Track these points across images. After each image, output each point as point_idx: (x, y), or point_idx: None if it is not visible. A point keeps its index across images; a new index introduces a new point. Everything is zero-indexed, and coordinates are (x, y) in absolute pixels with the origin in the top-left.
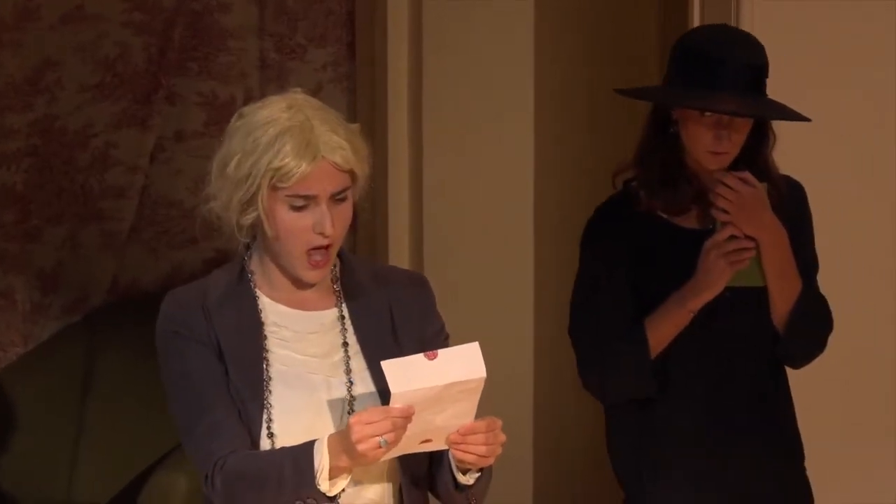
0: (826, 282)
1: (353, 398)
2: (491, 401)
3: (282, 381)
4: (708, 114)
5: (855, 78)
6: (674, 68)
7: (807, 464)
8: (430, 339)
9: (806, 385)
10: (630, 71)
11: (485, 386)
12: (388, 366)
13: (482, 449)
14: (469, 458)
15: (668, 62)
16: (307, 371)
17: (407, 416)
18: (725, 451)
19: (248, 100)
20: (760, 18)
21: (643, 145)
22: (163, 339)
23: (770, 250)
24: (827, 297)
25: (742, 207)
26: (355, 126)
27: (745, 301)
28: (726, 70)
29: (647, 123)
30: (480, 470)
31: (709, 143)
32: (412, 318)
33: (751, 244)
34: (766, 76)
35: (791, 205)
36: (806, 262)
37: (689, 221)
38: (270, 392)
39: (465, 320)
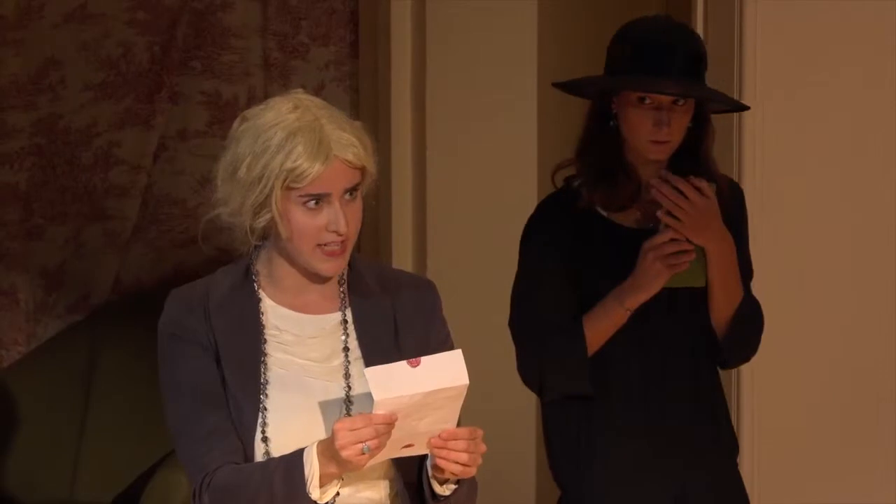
0: (826, 282)
1: (350, 403)
2: (493, 402)
3: (279, 384)
4: (647, 100)
5: (857, 76)
6: (613, 57)
7: (807, 464)
8: (435, 346)
9: (806, 385)
10: None
11: (488, 387)
12: (371, 373)
13: (463, 456)
14: (449, 465)
15: (608, 52)
16: (305, 375)
17: (390, 423)
18: (662, 445)
19: (252, 98)
20: (763, 16)
21: (583, 140)
22: (162, 339)
23: (717, 259)
24: (827, 297)
25: (694, 217)
26: (359, 123)
27: (683, 300)
28: (666, 56)
29: (587, 117)
30: (458, 482)
31: (649, 131)
32: (416, 325)
33: (690, 247)
34: (706, 66)
35: (732, 205)
36: (742, 262)
37: (629, 219)
38: (267, 396)
39: (468, 320)
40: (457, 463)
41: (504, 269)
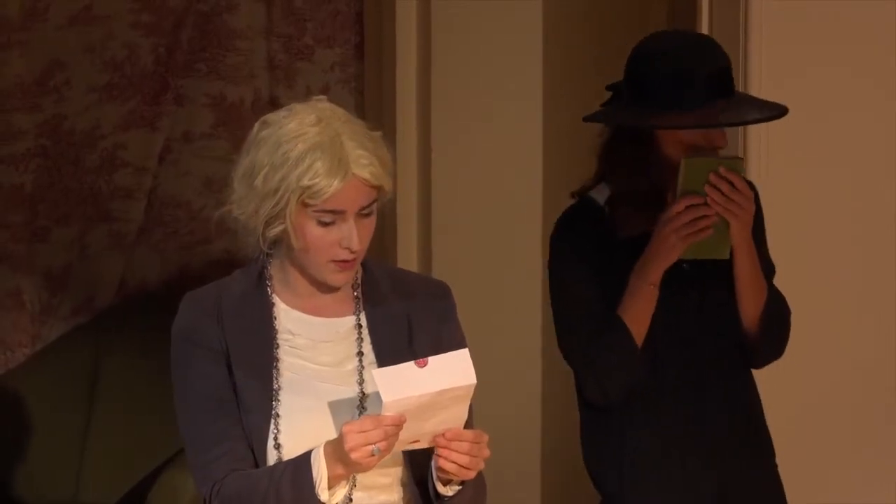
0: (829, 282)
1: (364, 409)
2: (499, 403)
3: (291, 390)
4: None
5: (861, 77)
6: (646, 84)
7: (807, 464)
8: (448, 350)
9: (806, 385)
10: None
11: (494, 388)
12: (379, 374)
13: (464, 458)
14: (449, 465)
15: (636, 73)
16: (317, 380)
17: (399, 425)
18: (703, 451)
19: (257, 100)
20: (769, 18)
21: (618, 163)
22: (175, 343)
23: (746, 255)
24: (830, 297)
25: (747, 210)
26: (377, 134)
27: (712, 304)
28: (711, 83)
29: (622, 143)
30: (462, 483)
31: (700, 140)
32: (430, 329)
33: (710, 213)
34: (732, 75)
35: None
36: (764, 259)
37: (653, 226)
38: (279, 401)
39: (473, 320)
40: (456, 464)
41: (509, 269)
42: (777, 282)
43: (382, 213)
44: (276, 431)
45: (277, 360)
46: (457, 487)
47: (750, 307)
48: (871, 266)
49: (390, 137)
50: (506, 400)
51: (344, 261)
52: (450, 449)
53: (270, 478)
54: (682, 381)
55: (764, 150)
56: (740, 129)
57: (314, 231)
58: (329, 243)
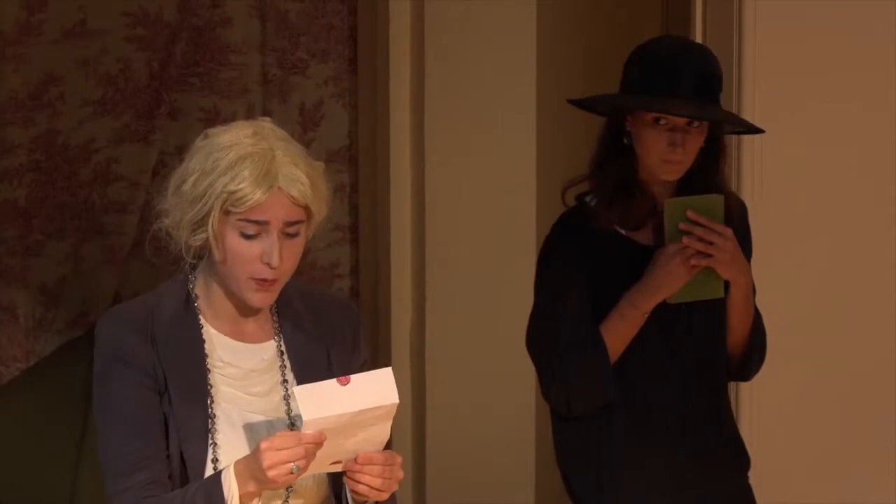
0: (827, 283)
1: None
2: (494, 411)
3: (227, 420)
4: (662, 121)
5: (856, 77)
6: (630, 76)
7: (807, 464)
8: (356, 370)
9: (806, 386)
10: None
11: (489, 397)
12: (300, 392)
13: (377, 481)
14: (361, 488)
15: (624, 71)
16: (250, 411)
17: (318, 443)
18: (682, 462)
19: (251, 114)
20: (762, 21)
21: (598, 158)
22: (102, 360)
23: (743, 290)
24: (828, 299)
25: (725, 253)
26: (319, 164)
27: (700, 321)
28: (682, 78)
29: (602, 135)
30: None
31: (663, 151)
32: (346, 350)
33: (705, 255)
34: (721, 87)
35: (740, 220)
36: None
37: (644, 237)
38: (216, 430)
39: (468, 328)
40: (369, 486)
41: (503, 278)
42: (770, 284)
43: (375, 226)
44: (215, 461)
45: (211, 386)
46: None
47: (739, 331)
48: (865, 269)
49: (384, 152)
50: (501, 408)
51: (264, 279)
52: (362, 472)
53: (183, 499)
54: (667, 393)
55: (759, 153)
56: (734, 137)
57: (235, 242)
58: (249, 257)
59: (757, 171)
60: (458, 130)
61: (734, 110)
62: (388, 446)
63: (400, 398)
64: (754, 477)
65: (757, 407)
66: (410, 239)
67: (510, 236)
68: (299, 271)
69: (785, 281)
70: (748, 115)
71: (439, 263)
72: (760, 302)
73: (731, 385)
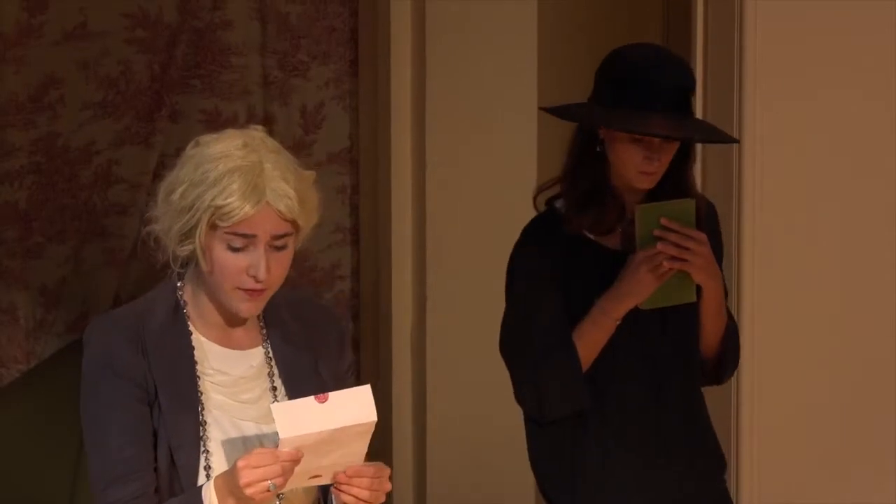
0: (827, 283)
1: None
2: (494, 419)
3: (218, 427)
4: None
5: (857, 77)
6: (604, 86)
7: (807, 464)
8: (342, 377)
9: (805, 386)
10: None
11: (492, 393)
12: (277, 409)
13: (365, 493)
14: (350, 500)
15: (597, 79)
16: (241, 418)
17: (296, 460)
18: (656, 463)
19: (251, 117)
20: (763, 21)
21: (569, 164)
22: (92, 369)
23: (714, 294)
24: (828, 298)
25: (699, 258)
26: (309, 174)
27: (674, 322)
28: (660, 92)
29: (573, 142)
30: None
31: (639, 163)
32: (332, 357)
33: (680, 260)
34: (694, 95)
35: (710, 223)
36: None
37: (614, 242)
38: (208, 437)
39: (468, 332)
40: (356, 498)
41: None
42: (769, 285)
43: (376, 228)
44: (207, 469)
45: (202, 394)
46: None
47: (712, 335)
48: (865, 269)
49: (385, 153)
50: (501, 409)
51: (251, 289)
52: (351, 485)
53: None
54: (641, 394)
55: (759, 153)
56: (735, 124)
57: (222, 255)
58: (236, 269)
59: (757, 170)
60: (458, 132)
61: (735, 109)
62: (387, 448)
63: (401, 399)
64: (755, 477)
65: (757, 407)
66: (411, 240)
67: (511, 237)
68: (300, 274)
69: (785, 281)
70: (749, 115)
71: (440, 265)
72: (760, 302)
73: (732, 385)
